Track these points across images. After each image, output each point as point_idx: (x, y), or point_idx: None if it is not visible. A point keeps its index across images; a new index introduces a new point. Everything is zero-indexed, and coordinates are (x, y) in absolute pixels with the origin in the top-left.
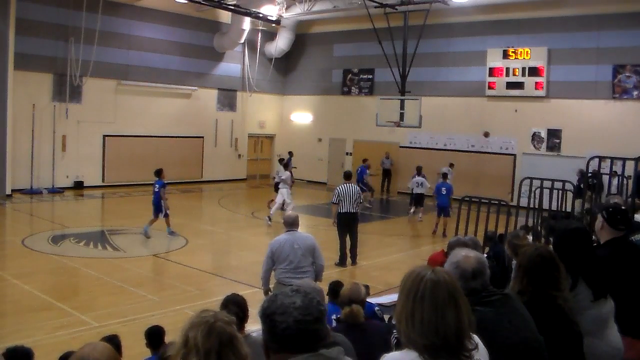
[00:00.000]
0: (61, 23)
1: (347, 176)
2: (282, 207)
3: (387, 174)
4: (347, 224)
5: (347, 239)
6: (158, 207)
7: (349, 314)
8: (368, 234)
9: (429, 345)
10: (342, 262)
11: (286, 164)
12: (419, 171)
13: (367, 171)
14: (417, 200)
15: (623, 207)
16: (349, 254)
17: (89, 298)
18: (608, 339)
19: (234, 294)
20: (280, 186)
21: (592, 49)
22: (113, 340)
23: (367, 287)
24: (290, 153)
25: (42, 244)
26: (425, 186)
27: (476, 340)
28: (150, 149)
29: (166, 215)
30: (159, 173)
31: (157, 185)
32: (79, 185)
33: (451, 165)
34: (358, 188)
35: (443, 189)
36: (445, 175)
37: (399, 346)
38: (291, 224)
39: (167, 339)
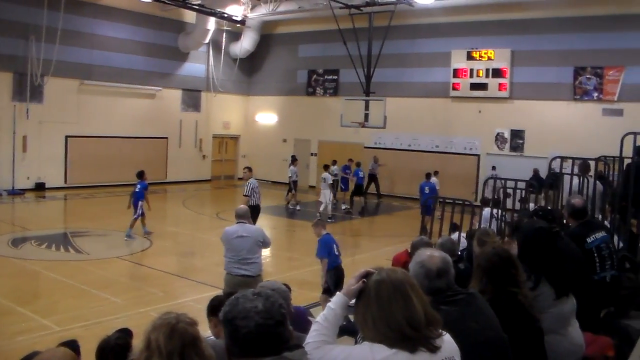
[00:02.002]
0: (21, 21)
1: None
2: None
3: (373, 178)
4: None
5: None
6: (137, 208)
7: None
8: (337, 234)
9: (387, 340)
10: None
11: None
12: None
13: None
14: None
15: (550, 208)
16: None
17: (51, 302)
18: (570, 336)
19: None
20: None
21: (553, 51)
22: (72, 345)
23: (287, 285)
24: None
25: (1, 247)
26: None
27: (447, 336)
28: (113, 149)
29: (141, 215)
30: (141, 175)
31: (138, 186)
32: (40, 187)
33: (436, 173)
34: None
35: (426, 187)
36: (428, 175)
37: None
38: (241, 216)
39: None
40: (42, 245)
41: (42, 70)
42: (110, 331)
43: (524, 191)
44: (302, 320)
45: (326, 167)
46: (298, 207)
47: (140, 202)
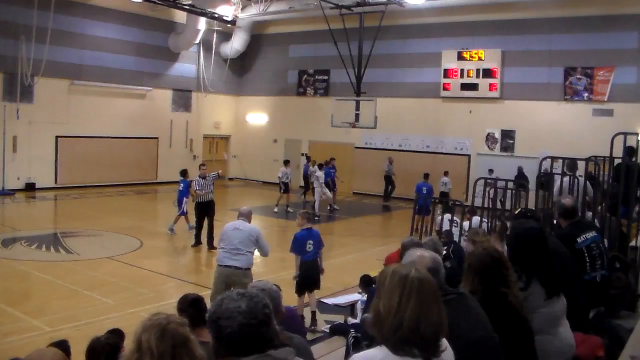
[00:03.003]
0: (11, 20)
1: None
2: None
3: (389, 180)
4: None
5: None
6: (181, 205)
7: None
8: (326, 234)
9: (403, 339)
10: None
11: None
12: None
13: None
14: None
15: (531, 209)
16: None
17: (41, 302)
18: (561, 336)
19: (194, 295)
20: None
21: (544, 51)
22: (62, 345)
23: (277, 286)
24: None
25: None
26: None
27: (447, 345)
28: (104, 150)
29: (184, 213)
30: (183, 173)
31: (182, 185)
32: (30, 187)
33: (446, 173)
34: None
35: (424, 188)
36: (426, 176)
37: (356, 345)
38: (242, 214)
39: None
40: (32, 245)
41: (32, 70)
42: (101, 332)
43: (514, 191)
44: (295, 322)
45: (320, 166)
46: (289, 209)
47: (185, 199)
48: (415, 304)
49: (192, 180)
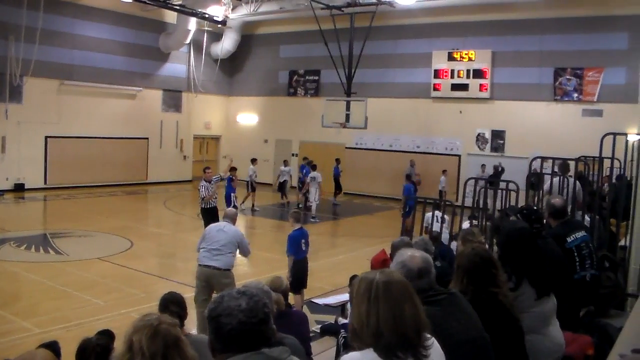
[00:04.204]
0: (0, 20)
1: None
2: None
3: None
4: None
5: None
6: (230, 201)
7: None
8: (318, 234)
9: (386, 344)
10: None
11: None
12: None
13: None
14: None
15: (535, 208)
16: None
17: (31, 303)
18: (551, 335)
19: (171, 293)
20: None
21: (534, 52)
22: (52, 347)
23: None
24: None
25: None
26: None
27: (433, 340)
28: (94, 150)
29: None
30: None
31: (226, 182)
32: (19, 188)
33: (444, 171)
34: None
35: (412, 189)
36: (409, 177)
37: (347, 345)
38: (228, 216)
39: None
40: (22, 246)
41: (21, 70)
42: (91, 333)
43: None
44: (303, 326)
45: (314, 167)
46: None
47: (232, 195)
48: (384, 307)
49: (226, 179)
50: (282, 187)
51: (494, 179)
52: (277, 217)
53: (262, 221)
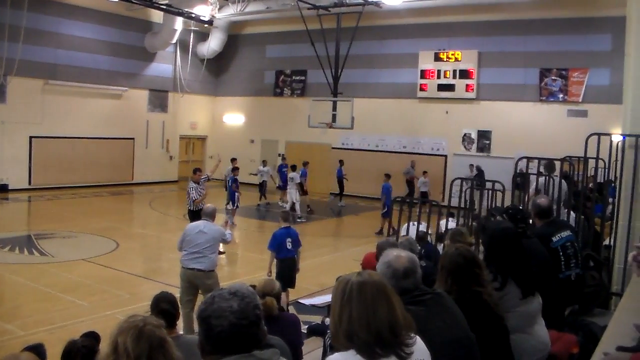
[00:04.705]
0: None
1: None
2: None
3: (410, 185)
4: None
5: None
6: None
7: (263, 306)
8: (304, 235)
9: (362, 345)
10: None
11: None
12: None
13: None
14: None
15: (520, 208)
16: None
17: (14, 305)
18: (536, 334)
19: (163, 292)
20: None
21: (520, 52)
22: (37, 349)
23: (254, 287)
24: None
25: None
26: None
27: (417, 339)
28: (79, 150)
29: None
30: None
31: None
32: (3, 189)
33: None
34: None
35: (390, 188)
36: (388, 176)
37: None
38: (206, 214)
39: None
40: (5, 248)
41: (5, 70)
42: (76, 335)
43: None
44: (296, 330)
45: (294, 168)
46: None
47: (236, 194)
48: (357, 307)
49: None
50: (261, 187)
51: (477, 179)
52: (258, 217)
53: (244, 221)
